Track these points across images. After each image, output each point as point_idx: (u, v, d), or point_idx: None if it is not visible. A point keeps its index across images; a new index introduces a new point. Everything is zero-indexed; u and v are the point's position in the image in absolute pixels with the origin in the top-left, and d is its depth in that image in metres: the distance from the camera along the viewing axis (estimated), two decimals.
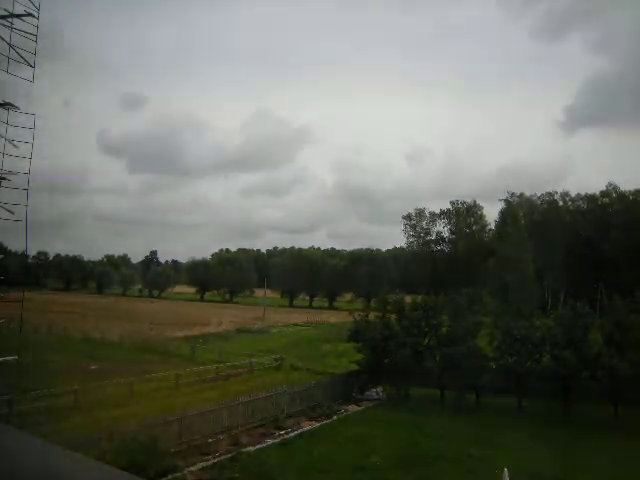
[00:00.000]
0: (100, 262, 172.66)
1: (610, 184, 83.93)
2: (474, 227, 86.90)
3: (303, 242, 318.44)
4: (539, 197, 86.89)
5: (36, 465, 0.99)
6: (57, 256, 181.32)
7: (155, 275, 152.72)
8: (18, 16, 14.65)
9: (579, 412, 25.50)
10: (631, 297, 29.31)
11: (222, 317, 78.12)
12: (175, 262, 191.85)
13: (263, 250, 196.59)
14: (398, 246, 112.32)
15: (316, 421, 23.85)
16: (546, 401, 27.22)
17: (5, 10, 14.59)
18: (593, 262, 73.44)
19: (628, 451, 20.17)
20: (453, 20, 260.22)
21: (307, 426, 23.05)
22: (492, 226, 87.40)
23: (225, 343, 48.61)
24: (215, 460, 18.38)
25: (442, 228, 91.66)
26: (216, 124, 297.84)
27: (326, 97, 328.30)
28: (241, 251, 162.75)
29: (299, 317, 78.77)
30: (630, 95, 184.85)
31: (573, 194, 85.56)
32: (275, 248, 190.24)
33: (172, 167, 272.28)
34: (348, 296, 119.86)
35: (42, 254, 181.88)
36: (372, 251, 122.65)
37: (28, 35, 15.06)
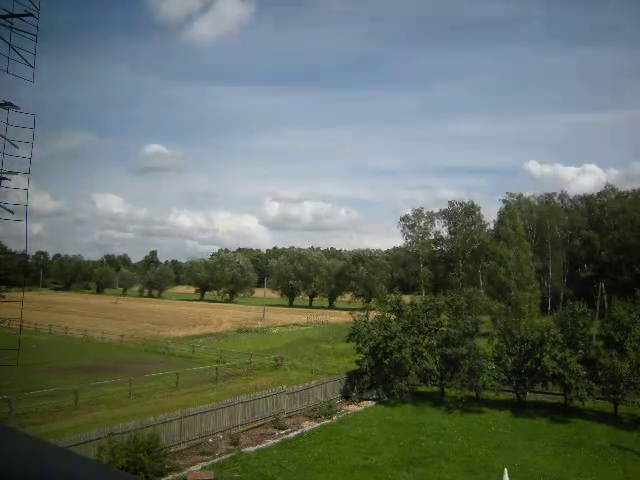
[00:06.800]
0: (100, 262, 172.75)
1: (608, 184, 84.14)
2: (473, 227, 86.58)
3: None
4: (538, 197, 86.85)
5: (36, 465, 0.98)
6: (57, 256, 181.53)
7: (155, 275, 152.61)
8: (18, 16, 14.63)
9: (582, 411, 25.48)
10: (631, 297, 29.31)
11: (222, 317, 78.11)
12: (175, 262, 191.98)
13: (263, 250, 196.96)
14: (397, 246, 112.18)
15: (316, 421, 23.82)
16: (547, 400, 27.27)
17: (5, 10, 14.56)
18: (593, 262, 73.48)
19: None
20: None
21: (307, 426, 23.03)
22: (491, 226, 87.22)
23: (225, 343, 48.60)
24: (215, 460, 18.40)
25: (441, 228, 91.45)
26: None
27: None
28: (241, 251, 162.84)
29: (299, 317, 78.69)
30: None
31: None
32: (275, 248, 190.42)
33: None
34: (348, 296, 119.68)
35: (42, 254, 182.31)
36: (372, 251, 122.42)
37: (28, 35, 15.03)
